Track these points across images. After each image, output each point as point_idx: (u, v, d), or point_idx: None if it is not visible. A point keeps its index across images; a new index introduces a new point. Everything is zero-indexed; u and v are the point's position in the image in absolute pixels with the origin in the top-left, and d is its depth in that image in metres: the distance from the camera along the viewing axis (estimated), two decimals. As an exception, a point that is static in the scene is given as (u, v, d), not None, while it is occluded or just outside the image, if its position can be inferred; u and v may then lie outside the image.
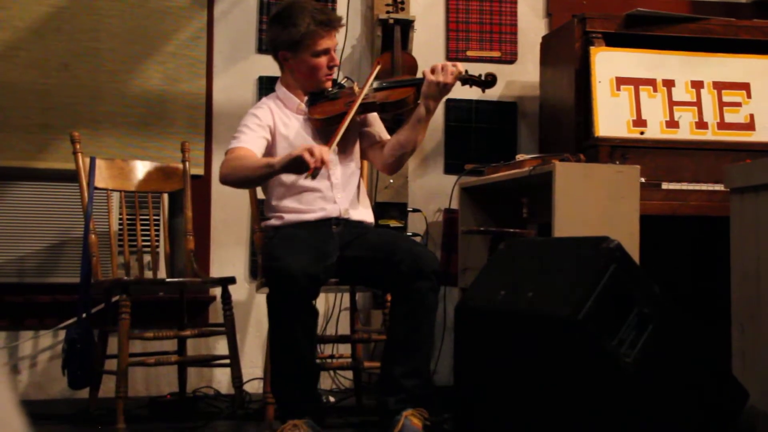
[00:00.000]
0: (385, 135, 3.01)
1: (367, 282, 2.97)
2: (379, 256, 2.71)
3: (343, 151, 2.94)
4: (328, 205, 2.87)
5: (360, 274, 2.84)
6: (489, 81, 2.87)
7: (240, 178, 2.77)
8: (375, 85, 2.93)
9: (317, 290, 2.63)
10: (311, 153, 2.51)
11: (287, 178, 2.85)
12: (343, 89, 2.94)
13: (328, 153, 2.58)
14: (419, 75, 3.80)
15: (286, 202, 2.88)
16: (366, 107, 2.87)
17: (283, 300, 2.55)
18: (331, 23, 2.87)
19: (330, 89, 2.94)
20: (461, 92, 4.00)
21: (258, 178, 2.80)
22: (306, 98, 2.93)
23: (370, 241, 2.80)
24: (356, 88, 2.93)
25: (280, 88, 2.98)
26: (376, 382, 3.35)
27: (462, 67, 2.82)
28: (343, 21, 3.00)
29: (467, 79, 2.86)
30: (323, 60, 2.88)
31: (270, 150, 2.88)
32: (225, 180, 2.78)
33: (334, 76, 2.98)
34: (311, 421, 2.58)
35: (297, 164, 2.56)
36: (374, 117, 3.03)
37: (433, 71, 2.78)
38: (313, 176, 2.56)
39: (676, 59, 3.51)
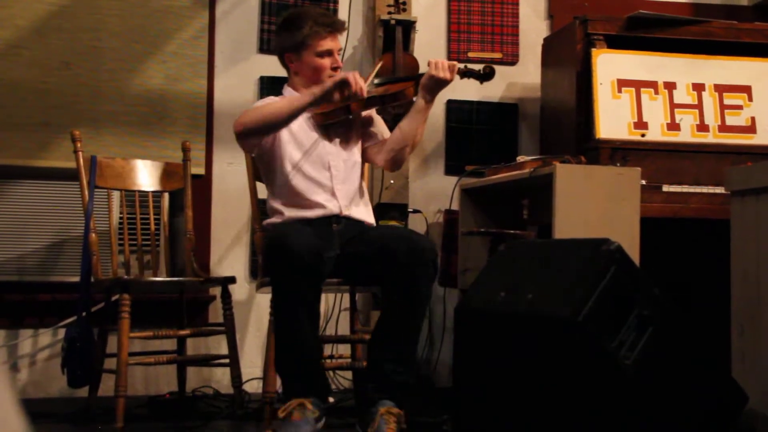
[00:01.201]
0: (387, 134, 3.04)
1: (367, 278, 2.97)
2: (378, 247, 2.72)
3: (345, 142, 2.98)
4: (327, 200, 2.88)
5: (360, 269, 2.84)
6: (487, 73, 2.93)
7: (269, 117, 2.79)
8: (376, 81, 3.01)
9: (320, 270, 2.62)
10: (354, 77, 2.71)
11: (290, 167, 2.88)
12: None
13: (365, 84, 2.76)
14: (422, 71, 3.84)
15: (288, 192, 2.90)
16: (367, 102, 2.90)
17: (287, 277, 2.56)
18: (334, 25, 2.96)
19: None
20: (462, 93, 4.01)
21: (295, 111, 2.79)
22: None
23: (370, 236, 2.83)
24: None
25: (286, 90, 3.05)
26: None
27: (460, 63, 2.89)
28: (346, 25, 3.07)
29: (466, 73, 2.92)
30: (326, 61, 2.94)
31: (272, 144, 2.92)
32: (245, 126, 2.80)
33: None
34: (317, 400, 2.59)
35: (342, 86, 2.72)
36: (377, 117, 3.08)
37: (434, 67, 2.82)
38: (354, 98, 2.75)
39: (677, 62, 3.51)
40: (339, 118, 2.91)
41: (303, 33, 2.91)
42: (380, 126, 3.07)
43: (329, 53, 2.94)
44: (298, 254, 2.52)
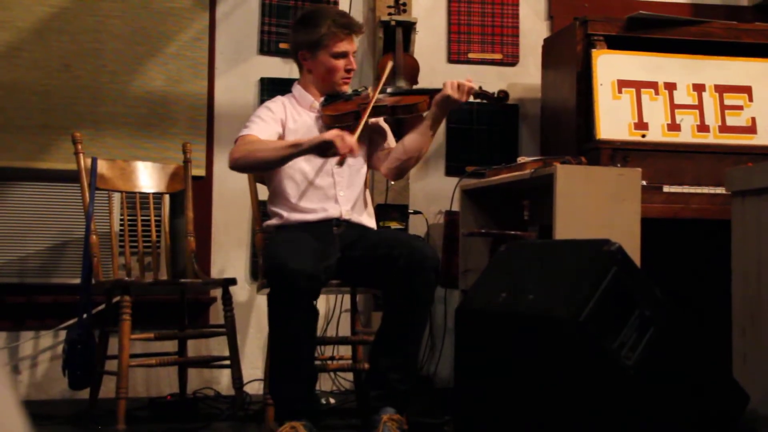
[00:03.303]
0: (393, 143, 3.04)
1: (368, 281, 2.97)
2: (379, 253, 2.72)
3: None
4: (329, 205, 2.88)
5: (361, 273, 2.84)
6: (501, 98, 2.96)
7: (258, 160, 2.80)
8: (389, 90, 3.00)
9: (317, 291, 2.63)
10: (342, 139, 2.59)
11: (293, 171, 2.87)
12: (358, 94, 2.98)
13: (355, 141, 2.66)
14: (421, 76, 3.84)
15: (290, 196, 2.90)
16: (377, 110, 2.91)
17: (283, 300, 2.56)
18: (351, 27, 2.94)
19: (346, 92, 2.98)
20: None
21: (280, 159, 2.80)
22: (321, 98, 2.98)
23: (372, 240, 2.81)
24: (371, 92, 2.97)
25: (296, 88, 3.04)
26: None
27: (476, 84, 2.87)
28: (364, 29, 3.07)
29: (480, 94, 2.93)
30: (341, 63, 2.93)
31: None
32: (237, 164, 2.80)
33: (351, 81, 3.02)
34: (309, 424, 2.58)
35: (326, 147, 2.64)
36: (385, 126, 3.08)
37: (450, 87, 2.82)
38: (341, 164, 2.68)
39: (677, 62, 3.51)
40: (347, 123, 2.90)
41: (320, 32, 2.89)
42: (388, 134, 3.07)
43: (344, 55, 2.92)
44: (295, 282, 2.51)
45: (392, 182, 3.84)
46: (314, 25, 2.91)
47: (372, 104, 2.86)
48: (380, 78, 2.99)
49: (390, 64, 3.08)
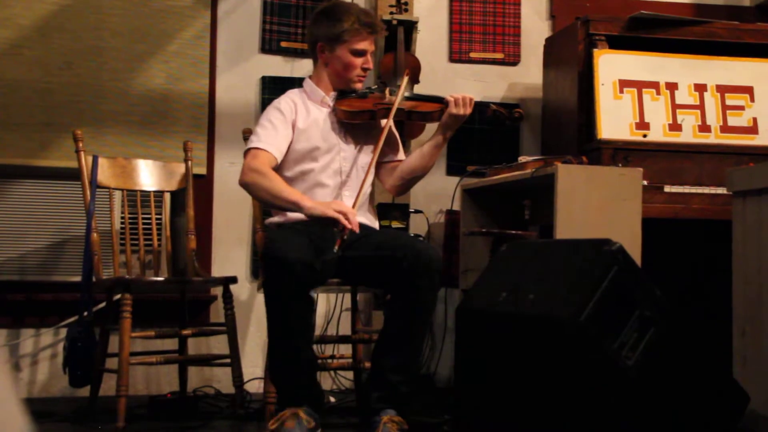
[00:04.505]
0: (402, 156, 3.06)
1: (370, 281, 2.97)
2: (382, 254, 2.71)
3: (364, 148, 2.96)
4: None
5: (363, 273, 2.84)
6: (516, 118, 3.00)
7: (261, 198, 2.84)
8: (406, 94, 3.01)
9: (313, 279, 2.61)
10: (347, 218, 2.60)
11: (298, 171, 2.89)
12: (373, 92, 2.99)
13: (356, 214, 2.67)
14: (422, 76, 3.84)
15: (296, 189, 2.89)
16: (395, 112, 2.90)
17: (279, 288, 2.56)
18: (374, 27, 2.94)
19: (360, 90, 2.99)
20: (463, 93, 4.00)
21: (280, 208, 2.84)
22: (333, 93, 2.97)
23: (374, 240, 2.81)
24: (387, 94, 2.96)
25: (307, 83, 3.03)
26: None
27: (478, 97, 2.95)
28: (386, 31, 3.08)
29: (495, 111, 2.98)
30: (359, 60, 2.93)
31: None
32: (246, 188, 2.83)
33: (365, 81, 3.03)
34: (309, 409, 2.59)
35: (328, 221, 2.64)
36: (396, 136, 3.08)
37: (454, 105, 2.85)
38: (344, 242, 2.61)
39: (679, 62, 3.51)
40: (362, 120, 2.91)
41: (343, 27, 2.89)
42: (399, 148, 3.07)
43: (363, 53, 2.92)
44: (290, 269, 2.51)
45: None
46: (337, 19, 2.90)
47: (395, 108, 2.87)
48: (399, 87, 2.99)
49: (407, 77, 3.10)
